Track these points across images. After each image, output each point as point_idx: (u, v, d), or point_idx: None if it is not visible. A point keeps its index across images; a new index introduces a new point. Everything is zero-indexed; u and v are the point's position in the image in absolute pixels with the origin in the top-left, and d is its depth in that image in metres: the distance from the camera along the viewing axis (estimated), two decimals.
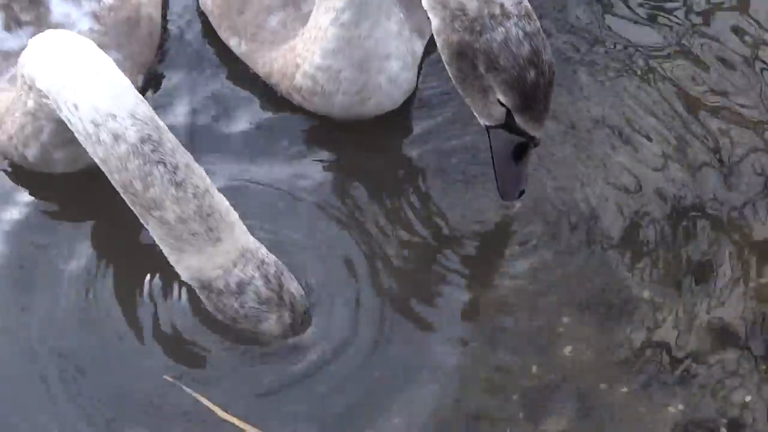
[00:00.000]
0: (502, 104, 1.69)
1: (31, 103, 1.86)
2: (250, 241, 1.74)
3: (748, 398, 1.82)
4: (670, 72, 2.34)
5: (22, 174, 2.14)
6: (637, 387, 1.85)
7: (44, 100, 1.76)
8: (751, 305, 1.95)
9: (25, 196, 2.15)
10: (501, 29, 1.60)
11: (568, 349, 1.90)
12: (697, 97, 2.31)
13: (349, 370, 1.83)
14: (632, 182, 2.14)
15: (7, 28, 2.12)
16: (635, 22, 2.45)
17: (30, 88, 1.80)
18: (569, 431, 1.80)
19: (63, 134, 1.89)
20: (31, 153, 2.00)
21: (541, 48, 1.63)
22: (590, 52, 2.38)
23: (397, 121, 2.21)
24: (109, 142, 1.65)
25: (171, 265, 1.78)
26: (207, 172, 1.70)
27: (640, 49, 2.38)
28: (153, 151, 1.65)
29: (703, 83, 2.35)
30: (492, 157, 1.86)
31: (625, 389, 1.84)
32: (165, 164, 1.65)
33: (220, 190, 1.72)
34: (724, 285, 1.97)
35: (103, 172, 1.85)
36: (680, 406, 1.82)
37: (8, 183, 2.15)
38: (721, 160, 2.18)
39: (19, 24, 2.11)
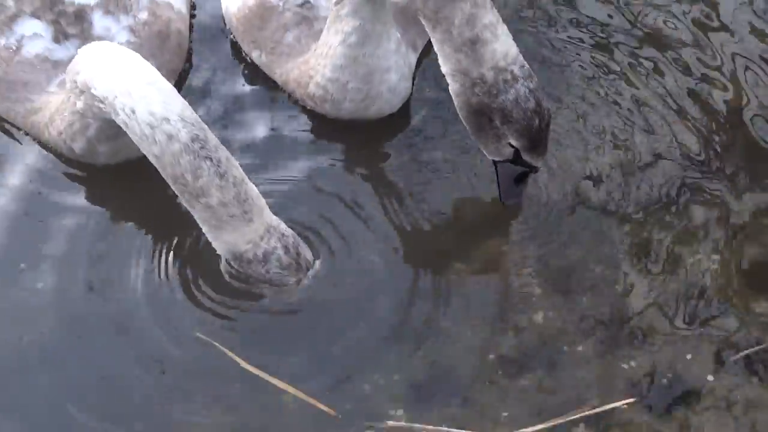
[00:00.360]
0: (512, 146, 2.00)
1: (80, 104, 2.07)
2: (273, 219, 1.99)
3: (689, 356, 2.04)
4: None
5: (68, 164, 2.36)
6: (598, 348, 2.07)
7: (98, 104, 1.97)
8: (706, 281, 2.17)
9: (70, 183, 2.36)
10: (512, 90, 1.92)
11: (539, 316, 2.12)
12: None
13: (346, 325, 2.08)
14: (606, 164, 2.40)
15: (56, 40, 2.33)
16: None
17: (81, 92, 2.01)
18: (540, 386, 2.01)
19: (107, 131, 2.12)
20: (78, 146, 2.22)
21: (542, 99, 1.96)
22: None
23: (395, 121, 2.45)
24: (164, 142, 1.87)
25: (191, 237, 2.10)
26: None
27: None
28: (201, 148, 1.87)
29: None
30: (497, 181, 2.16)
31: (587, 350, 2.07)
32: (211, 159, 1.88)
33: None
34: (685, 264, 2.20)
35: (135, 164, 2.14)
36: (633, 363, 2.04)
37: (57, 172, 2.36)
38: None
39: (66, 37, 2.32)
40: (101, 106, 1.96)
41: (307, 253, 2.06)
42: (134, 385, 2.01)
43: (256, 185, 1.97)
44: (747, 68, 2.64)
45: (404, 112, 2.46)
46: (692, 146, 2.43)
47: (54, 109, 2.24)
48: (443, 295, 2.15)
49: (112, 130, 2.06)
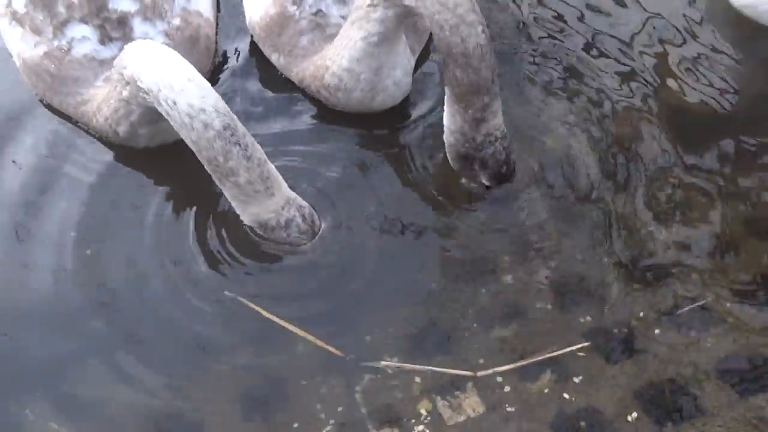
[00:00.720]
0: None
1: (125, 93, 2.29)
2: (291, 193, 2.29)
3: (641, 314, 2.30)
4: None
5: (112, 147, 2.64)
6: (557, 304, 2.33)
7: (142, 95, 2.20)
8: (656, 248, 2.43)
9: (114, 163, 2.63)
10: (492, 148, 2.33)
11: (509, 278, 2.39)
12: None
13: (349, 287, 2.36)
14: (568, 141, 2.68)
15: (102, 42, 2.54)
16: None
17: (127, 83, 2.24)
18: (510, 337, 2.26)
19: (148, 117, 2.37)
20: (122, 130, 2.46)
21: (511, 153, 2.38)
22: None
23: (395, 114, 2.71)
24: (200, 130, 2.09)
25: (219, 208, 2.35)
26: None
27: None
28: (232, 135, 2.11)
29: None
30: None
31: (549, 306, 2.33)
32: (239, 144, 2.12)
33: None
34: (639, 232, 2.45)
35: (171, 147, 2.40)
36: (588, 318, 2.30)
37: (105, 155, 2.64)
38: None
39: (111, 39, 2.54)
40: (146, 96, 2.19)
41: (317, 219, 2.38)
42: (167, 336, 2.28)
43: (274, 165, 2.24)
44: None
45: (402, 105, 2.72)
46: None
47: (101, 99, 2.48)
48: (430, 261, 2.43)
49: (152, 116, 2.31)
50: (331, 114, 2.71)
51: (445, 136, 2.41)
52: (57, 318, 2.33)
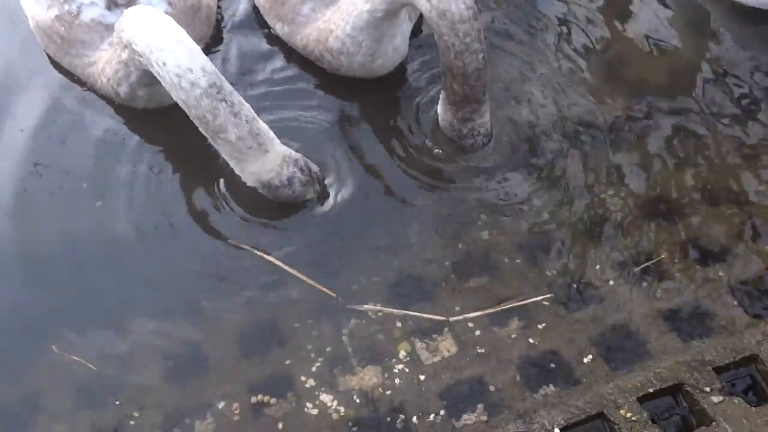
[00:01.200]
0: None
1: (124, 55, 2.38)
2: (284, 148, 2.38)
3: (597, 267, 2.48)
4: None
5: (116, 108, 2.79)
6: (527, 258, 2.50)
7: (137, 57, 2.27)
8: (615, 210, 2.58)
9: (115, 123, 2.78)
10: (473, 140, 2.64)
11: (485, 234, 2.56)
12: None
13: (338, 240, 2.53)
14: (538, 95, 2.84)
15: (108, 8, 2.65)
16: None
17: (125, 46, 2.32)
18: (482, 287, 2.43)
19: (145, 79, 2.45)
20: (123, 90, 2.56)
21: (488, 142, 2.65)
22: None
23: (391, 78, 2.86)
24: (188, 88, 2.17)
25: (216, 168, 2.47)
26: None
27: None
28: (218, 93, 2.17)
29: None
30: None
31: (519, 261, 2.51)
32: (226, 101, 2.18)
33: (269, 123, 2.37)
34: (599, 196, 2.61)
35: (169, 110, 2.48)
36: (554, 271, 2.48)
37: (108, 116, 2.80)
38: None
39: (117, 5, 2.65)
40: (140, 59, 2.26)
41: (314, 166, 2.47)
42: (177, 280, 2.47)
43: (275, 128, 2.35)
44: None
45: (398, 71, 2.87)
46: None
47: (105, 61, 2.59)
48: (412, 218, 2.60)
49: (148, 78, 2.39)
50: (329, 79, 2.85)
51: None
52: (70, 264, 2.52)
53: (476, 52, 2.35)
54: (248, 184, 2.47)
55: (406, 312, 2.40)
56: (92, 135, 2.78)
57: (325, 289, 2.43)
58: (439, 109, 2.65)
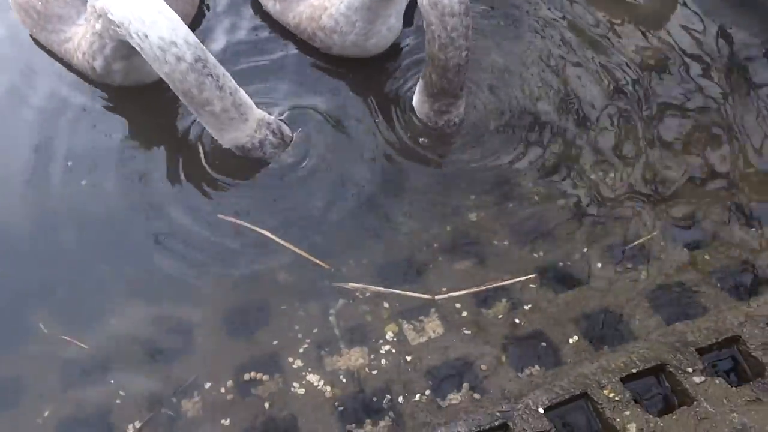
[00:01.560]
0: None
1: (98, 26, 2.30)
2: (259, 112, 2.36)
3: (585, 249, 2.51)
4: None
5: (94, 85, 2.78)
6: (514, 240, 2.53)
7: (113, 27, 2.17)
8: (602, 188, 2.60)
9: (92, 100, 2.77)
10: (447, 129, 2.59)
11: (473, 215, 2.58)
12: None
13: (326, 218, 2.54)
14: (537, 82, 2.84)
15: None
16: None
17: (99, 16, 2.22)
18: (469, 268, 2.45)
19: (121, 51, 2.37)
20: (98, 65, 2.48)
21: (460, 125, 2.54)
22: None
23: (384, 57, 2.89)
24: (173, 63, 2.10)
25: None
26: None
27: None
28: (203, 67, 2.12)
29: None
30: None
31: (506, 242, 2.52)
32: (212, 75, 2.14)
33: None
34: (590, 171, 2.65)
35: (146, 87, 2.48)
36: (541, 253, 2.51)
37: (86, 95, 2.78)
38: None
39: None
40: (117, 29, 2.17)
41: (286, 129, 2.47)
42: (163, 255, 2.46)
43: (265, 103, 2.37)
44: None
45: (391, 50, 2.88)
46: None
47: (81, 36, 2.53)
48: (401, 199, 2.61)
49: (125, 50, 2.32)
50: (320, 57, 2.85)
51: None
52: (51, 242, 2.51)
53: (460, 48, 2.35)
54: (224, 146, 2.47)
55: (392, 290, 2.41)
56: (70, 112, 2.76)
57: (318, 261, 2.44)
58: (416, 98, 2.63)
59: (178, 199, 2.58)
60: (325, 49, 2.77)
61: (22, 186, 2.61)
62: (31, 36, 2.85)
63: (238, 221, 2.49)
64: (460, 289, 2.43)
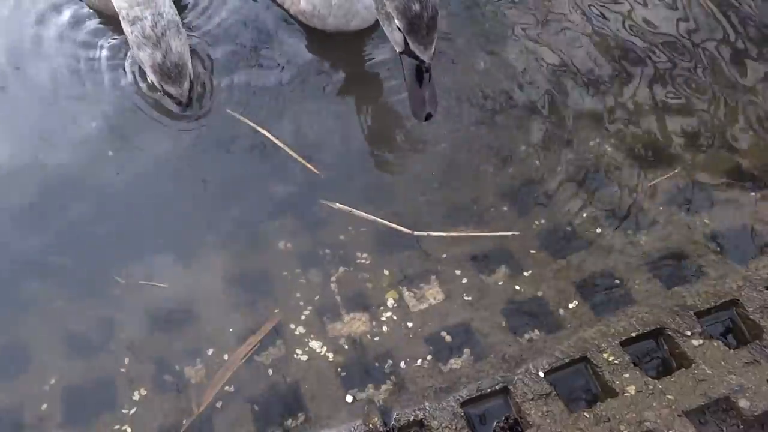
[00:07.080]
0: (399, 30, 2.25)
1: None
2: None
3: (585, 215, 2.52)
4: None
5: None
6: (516, 209, 2.55)
7: None
8: (598, 161, 2.61)
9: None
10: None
11: (474, 180, 2.61)
12: None
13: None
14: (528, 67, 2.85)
15: None
16: None
17: None
18: (471, 237, 2.47)
19: None
20: None
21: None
22: None
23: (368, 33, 2.91)
24: None
25: None
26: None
27: None
28: None
29: None
30: (405, 83, 2.40)
31: (505, 208, 2.55)
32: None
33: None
34: (589, 138, 2.66)
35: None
36: (543, 221, 2.53)
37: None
38: None
39: None
40: None
41: (173, 42, 2.29)
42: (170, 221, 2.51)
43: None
44: None
45: (375, 26, 2.86)
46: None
47: None
48: (404, 159, 2.66)
49: None
50: (312, 33, 2.87)
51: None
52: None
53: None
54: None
55: (375, 219, 2.44)
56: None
57: (308, 165, 2.52)
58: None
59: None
60: (312, 26, 2.79)
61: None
62: None
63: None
64: (440, 231, 2.45)
